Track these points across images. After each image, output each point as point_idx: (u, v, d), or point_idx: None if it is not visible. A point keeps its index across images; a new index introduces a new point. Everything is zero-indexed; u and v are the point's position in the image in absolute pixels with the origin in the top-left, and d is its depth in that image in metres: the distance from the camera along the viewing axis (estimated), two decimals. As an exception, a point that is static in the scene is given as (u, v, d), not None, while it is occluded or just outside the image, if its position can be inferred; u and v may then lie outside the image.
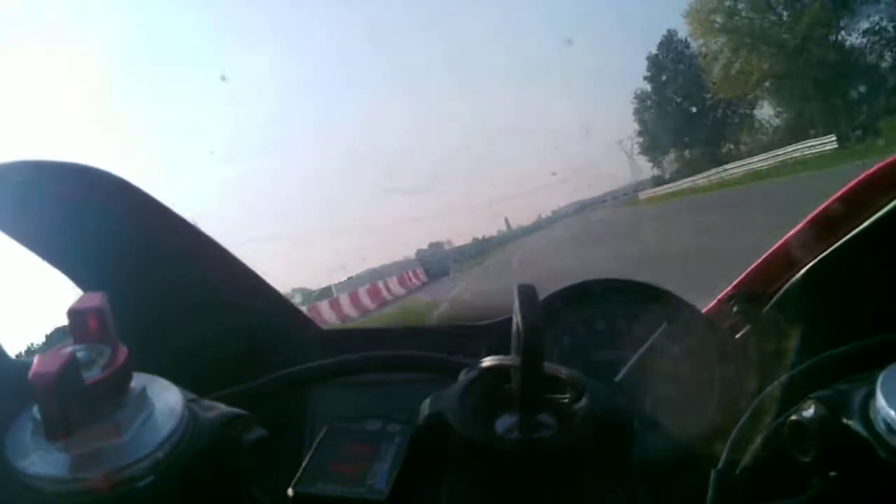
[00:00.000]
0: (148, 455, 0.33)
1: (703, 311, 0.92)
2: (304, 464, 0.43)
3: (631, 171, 38.93)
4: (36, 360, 0.31)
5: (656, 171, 37.34)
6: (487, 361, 0.45)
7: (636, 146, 37.91)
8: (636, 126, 37.92)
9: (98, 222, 0.79)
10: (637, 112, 37.74)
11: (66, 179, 0.76)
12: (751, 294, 0.87)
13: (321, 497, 0.41)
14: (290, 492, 0.41)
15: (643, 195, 31.82)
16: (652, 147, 37.48)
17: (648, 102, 36.96)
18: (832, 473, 0.46)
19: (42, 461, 0.32)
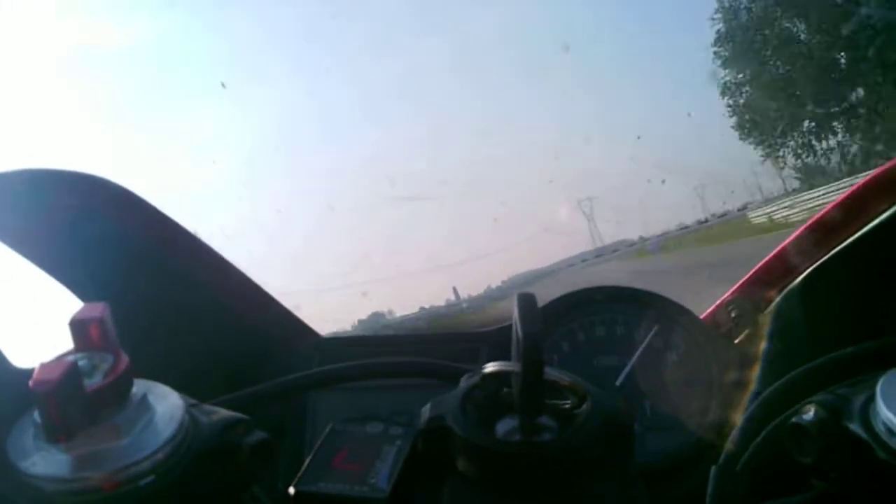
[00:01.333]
0: (148, 456, 0.34)
1: (702, 316, 0.92)
2: (305, 463, 0.44)
3: (591, 235, 31.14)
4: (38, 367, 0.31)
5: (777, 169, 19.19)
6: (489, 367, 0.45)
7: (726, 116, 18.82)
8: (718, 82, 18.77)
9: (100, 232, 0.79)
10: (719, 55, 18.69)
11: (68, 189, 0.76)
12: (749, 300, 0.88)
13: (322, 495, 0.41)
14: (291, 490, 0.41)
15: (754, 216, 18.18)
16: (756, 118, 18.80)
17: (737, 44, 18.12)
18: (832, 475, 0.46)
19: (43, 461, 0.33)
